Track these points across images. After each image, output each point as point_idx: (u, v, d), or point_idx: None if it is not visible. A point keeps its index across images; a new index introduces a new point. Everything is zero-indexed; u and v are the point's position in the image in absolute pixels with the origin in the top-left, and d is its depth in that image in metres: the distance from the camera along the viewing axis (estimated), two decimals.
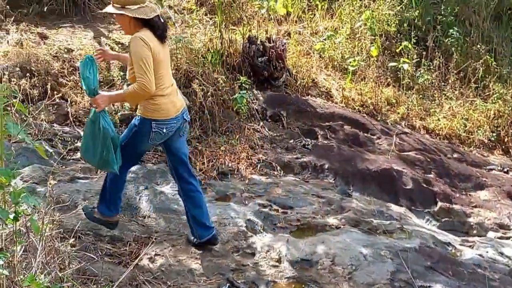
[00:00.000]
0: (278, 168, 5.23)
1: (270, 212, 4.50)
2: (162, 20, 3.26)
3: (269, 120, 5.91)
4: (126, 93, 3.25)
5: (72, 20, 6.98)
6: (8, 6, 6.70)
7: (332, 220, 4.49)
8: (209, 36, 6.31)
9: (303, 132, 5.83)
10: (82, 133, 5.01)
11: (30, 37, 6.12)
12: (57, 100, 5.25)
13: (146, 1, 3.18)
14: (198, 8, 6.99)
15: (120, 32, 6.71)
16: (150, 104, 3.28)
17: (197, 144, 5.26)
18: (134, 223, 4.08)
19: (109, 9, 3.24)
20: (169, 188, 4.56)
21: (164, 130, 3.35)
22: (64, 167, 4.64)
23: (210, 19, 6.79)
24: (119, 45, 6.27)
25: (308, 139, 5.70)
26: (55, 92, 5.19)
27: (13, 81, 5.07)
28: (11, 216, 1.90)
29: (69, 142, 4.93)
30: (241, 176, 5.05)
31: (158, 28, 3.19)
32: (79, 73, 3.95)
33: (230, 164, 5.13)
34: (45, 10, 6.91)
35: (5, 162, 4.12)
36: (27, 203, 1.92)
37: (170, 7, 6.95)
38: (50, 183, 2.53)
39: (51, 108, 5.13)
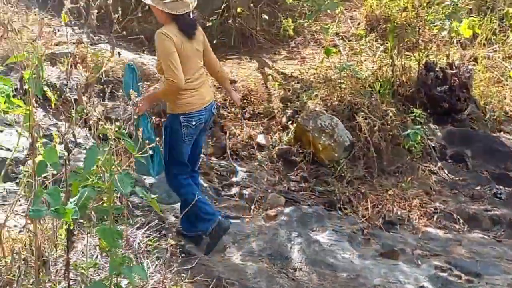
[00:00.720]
0: (461, 221, 4.28)
1: (450, 278, 3.61)
2: (191, 16, 3.27)
3: (449, 160, 4.96)
4: (159, 91, 3.35)
5: (239, 51, 6.96)
6: None
7: None
8: (379, 63, 5.66)
9: (494, 177, 4.74)
10: (236, 166, 4.77)
11: None
12: (217, 132, 5.11)
13: None
14: (368, 34, 6.39)
15: (284, 62, 6.45)
16: (177, 99, 3.27)
17: (360, 185, 4.60)
18: (283, 275, 3.58)
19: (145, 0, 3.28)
20: (325, 237, 3.98)
21: (194, 123, 3.33)
22: (217, 203, 4.39)
23: (381, 45, 6.13)
24: (282, 75, 5.98)
25: (501, 186, 4.61)
26: (214, 124, 5.05)
27: None
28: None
29: (225, 177, 4.70)
30: (413, 228, 4.23)
31: (184, 23, 3.20)
32: None
33: (399, 212, 4.35)
34: (214, 42, 7.01)
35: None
36: (128, 275, 1.55)
37: (336, 34, 6.48)
38: (169, 241, 2.17)
39: (210, 140, 4.99)
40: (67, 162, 1.62)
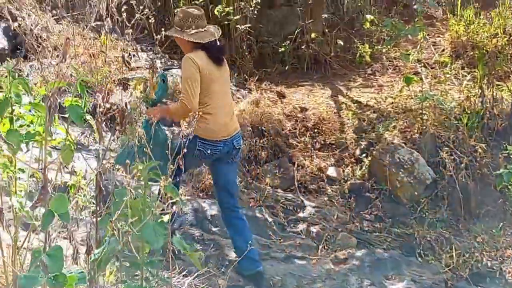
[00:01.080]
0: None
1: None
2: (218, 43, 3.30)
3: None
4: (170, 108, 3.37)
5: (312, 78, 6.69)
6: (253, 66, 6.82)
7: None
8: (466, 93, 5.13)
9: None
10: (304, 200, 4.45)
11: (270, 95, 5.99)
12: (285, 163, 4.82)
13: (206, 26, 3.24)
14: (453, 61, 5.88)
15: (359, 90, 6.09)
16: (200, 122, 3.16)
17: (444, 230, 4.11)
18: None
19: (170, 32, 3.27)
20: (402, 287, 3.52)
21: (209, 151, 3.24)
22: (281, 240, 4.07)
23: (468, 73, 5.60)
24: (356, 104, 5.61)
25: None
26: (282, 154, 4.78)
27: (245, 141, 4.85)
28: None
29: (291, 211, 4.38)
30: (505, 283, 3.68)
31: (212, 50, 3.22)
32: None
33: (489, 263, 3.81)
34: (286, 68, 6.80)
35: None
36: None
37: (418, 60, 6.03)
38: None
39: (277, 171, 4.70)
40: (99, 201, 1.40)
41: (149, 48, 7.27)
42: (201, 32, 3.20)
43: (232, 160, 3.43)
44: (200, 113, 3.12)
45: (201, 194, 4.25)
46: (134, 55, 7.12)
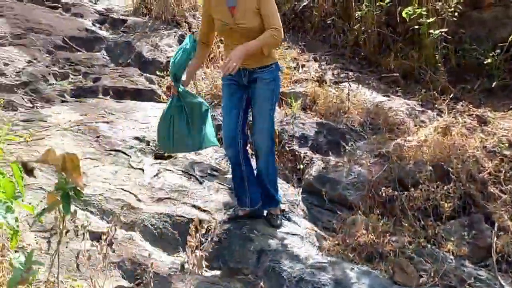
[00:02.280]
0: None
1: None
2: None
3: None
4: (265, 41, 3.04)
5: None
6: (448, 81, 5.41)
7: None
8: None
9: None
10: (505, 285, 3.02)
11: (466, 120, 4.56)
12: (479, 223, 3.41)
13: None
14: None
15: None
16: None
17: None
18: None
19: None
20: None
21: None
22: None
23: None
24: None
25: None
26: (476, 209, 3.39)
27: (422, 185, 3.59)
28: None
29: None
30: None
31: None
32: None
33: None
34: (493, 85, 5.23)
35: None
36: None
37: None
38: None
39: (465, 233, 3.33)
40: None
41: (323, 57, 6.45)
42: None
43: None
44: None
45: (351, 255, 3.17)
46: (303, 65, 6.33)
